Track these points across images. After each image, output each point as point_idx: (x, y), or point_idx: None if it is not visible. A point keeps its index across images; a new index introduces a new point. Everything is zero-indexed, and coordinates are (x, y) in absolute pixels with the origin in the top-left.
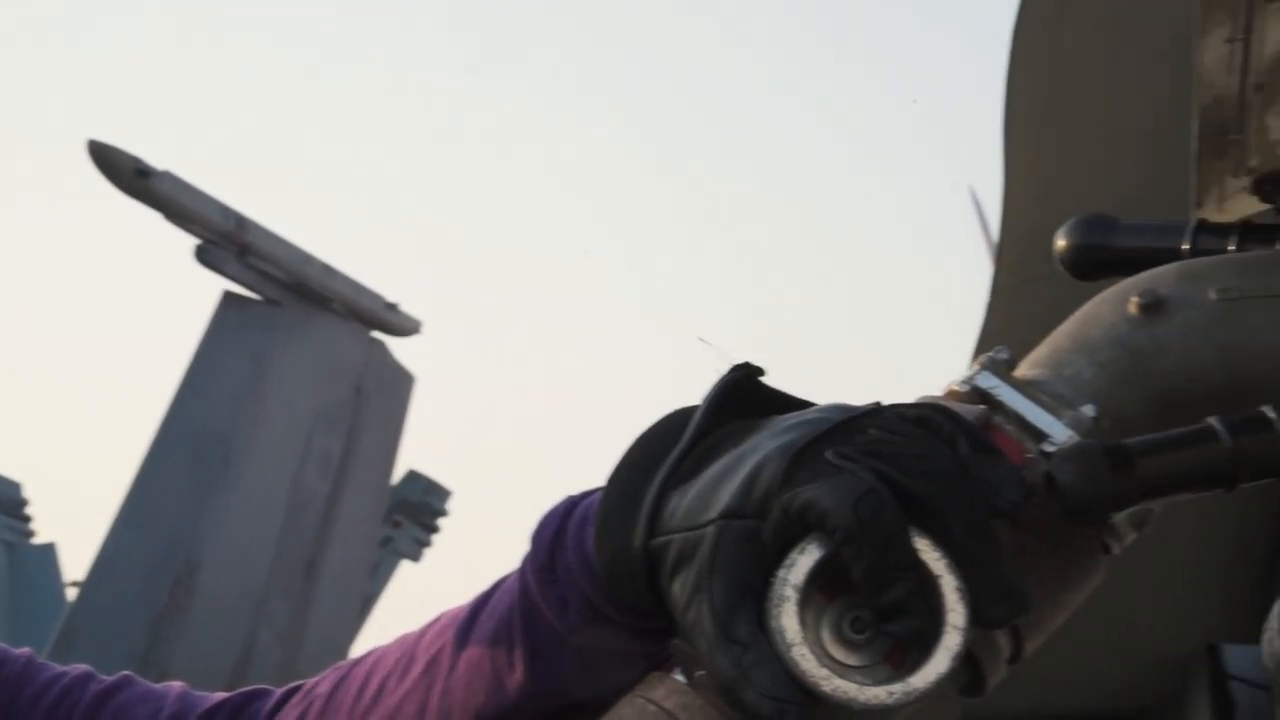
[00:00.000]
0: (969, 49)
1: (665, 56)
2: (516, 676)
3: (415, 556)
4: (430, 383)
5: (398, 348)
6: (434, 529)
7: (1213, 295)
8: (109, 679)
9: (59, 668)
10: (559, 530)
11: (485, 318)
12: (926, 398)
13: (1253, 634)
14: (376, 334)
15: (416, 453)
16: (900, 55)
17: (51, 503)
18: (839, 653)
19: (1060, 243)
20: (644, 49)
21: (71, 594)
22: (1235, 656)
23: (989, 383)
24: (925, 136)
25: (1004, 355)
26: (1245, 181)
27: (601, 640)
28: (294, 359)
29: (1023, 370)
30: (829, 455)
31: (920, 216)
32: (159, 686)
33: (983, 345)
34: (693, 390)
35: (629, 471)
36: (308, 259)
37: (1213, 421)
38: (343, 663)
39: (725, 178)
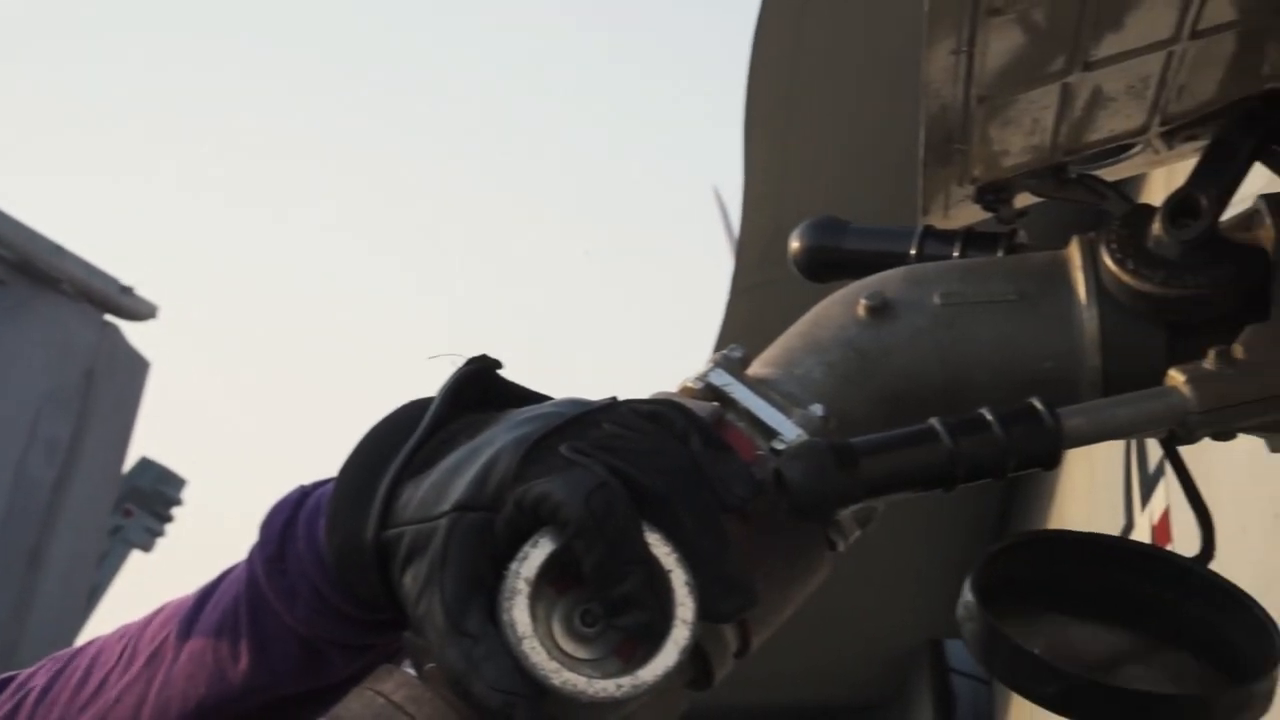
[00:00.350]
0: (716, 50)
1: (396, 47)
2: (241, 668)
3: (147, 546)
4: (167, 369)
5: (132, 332)
6: (167, 518)
7: (936, 300)
8: None
9: None
10: (289, 520)
11: (224, 305)
12: (661, 394)
13: None
14: (109, 318)
15: (151, 440)
16: (653, 53)
17: None
18: (569, 646)
19: (794, 244)
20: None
21: None
22: (957, 651)
23: (722, 380)
24: (674, 136)
25: (737, 353)
26: (969, 190)
27: (331, 632)
28: (19, 340)
29: (755, 369)
30: (563, 449)
31: (669, 216)
32: None
33: (723, 343)
34: (433, 382)
35: (362, 462)
36: (34, 236)
37: (934, 423)
38: (60, 653)
39: (468, 171)
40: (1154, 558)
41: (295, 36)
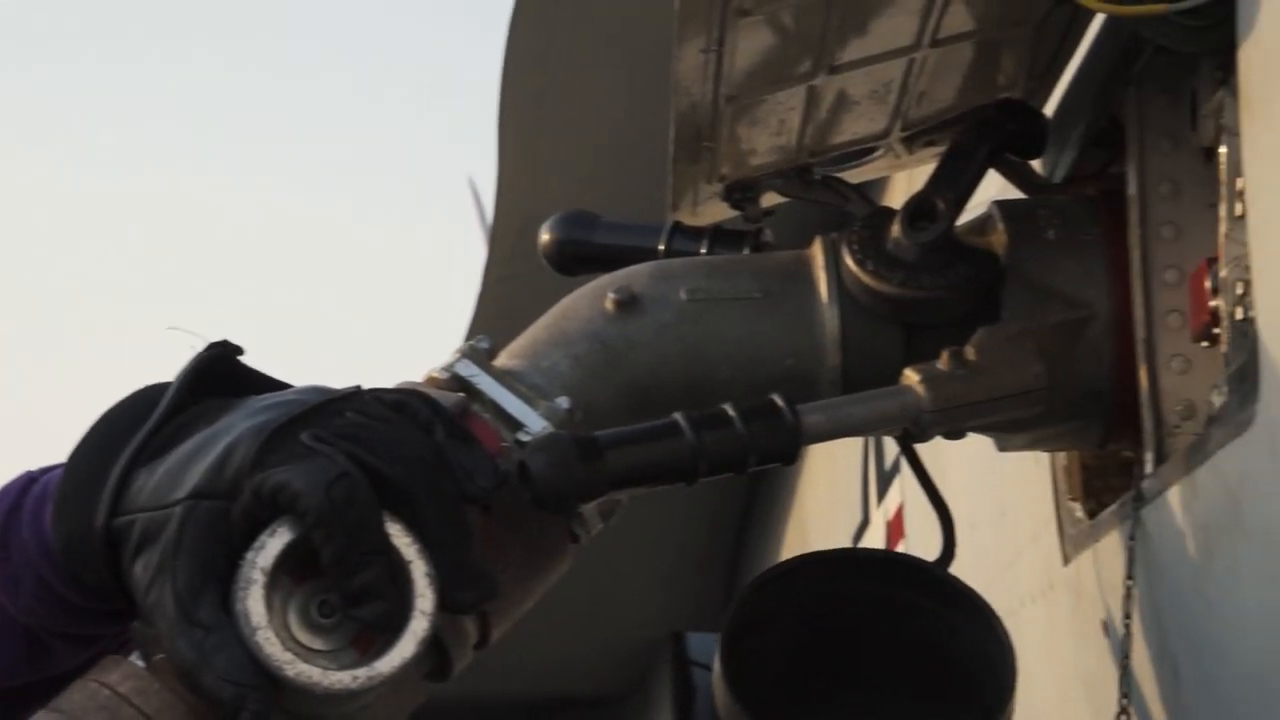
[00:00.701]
0: (475, 40)
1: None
2: None
3: None
4: None
5: None
6: None
7: (683, 296)
8: None
9: None
10: (14, 507)
11: None
12: (406, 384)
13: (715, 623)
14: None
15: None
16: (402, 46)
17: None
18: (305, 637)
19: (544, 237)
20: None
21: None
22: (698, 644)
23: (468, 371)
24: (432, 125)
25: (484, 344)
26: (718, 188)
27: (55, 622)
28: None
29: (502, 360)
30: (304, 438)
31: (424, 207)
32: None
33: (474, 334)
34: (169, 367)
35: (94, 447)
36: None
37: (678, 417)
38: None
39: (216, 154)
40: (898, 565)
41: None
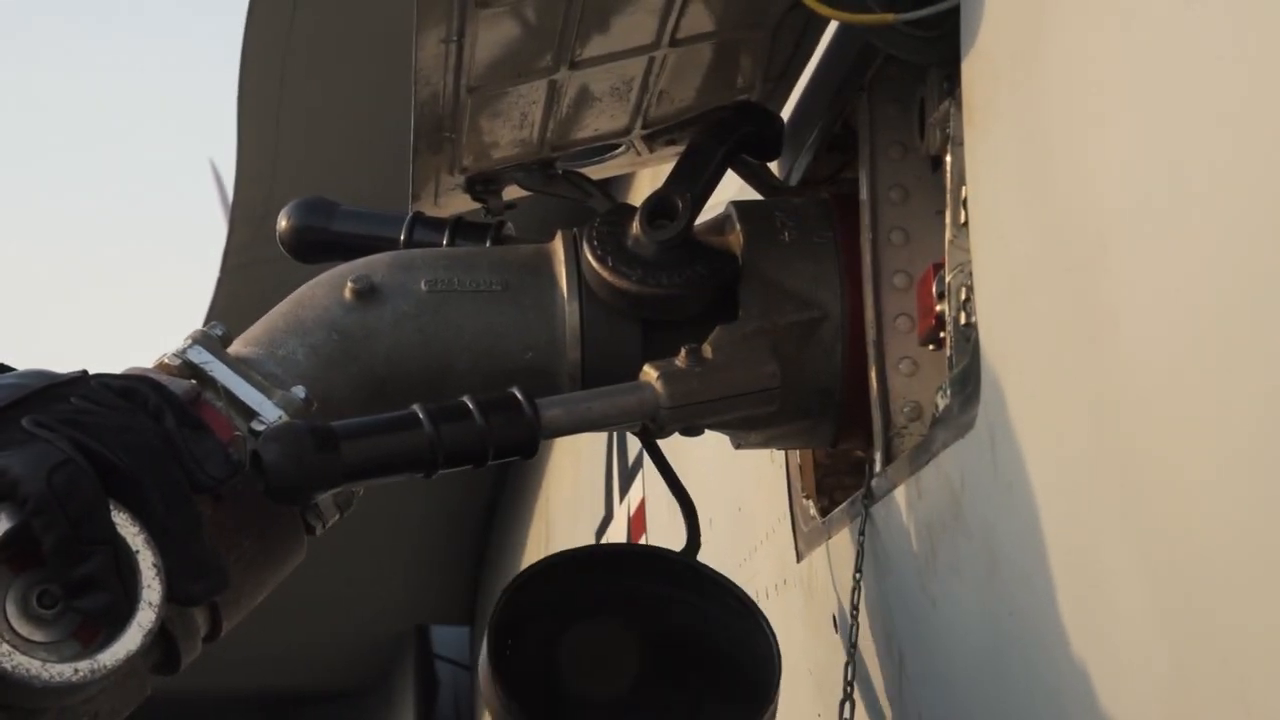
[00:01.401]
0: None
1: None
2: None
3: None
4: None
5: None
6: None
7: (422, 286)
8: None
9: None
10: None
11: None
12: (136, 369)
13: (460, 616)
14: None
15: None
16: (147, 24)
17: None
18: (24, 628)
19: (282, 223)
20: None
21: None
22: (442, 636)
23: (201, 358)
24: (172, 106)
25: (218, 331)
26: (460, 179)
27: None
28: None
29: (237, 348)
30: (25, 422)
31: (164, 189)
32: None
33: (211, 321)
34: None
35: None
36: None
37: (416, 408)
38: None
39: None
40: (651, 558)
41: None
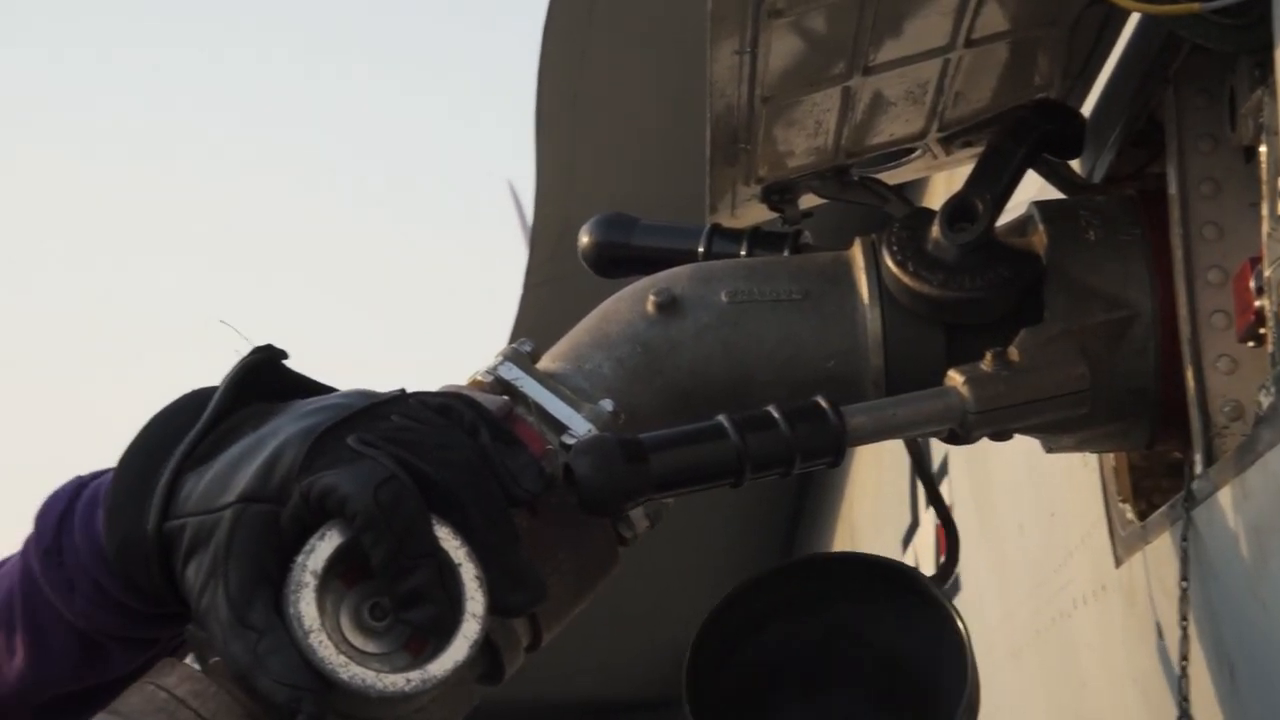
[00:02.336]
0: (512, 41)
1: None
2: (16, 663)
3: None
4: None
5: None
6: None
7: (723, 298)
8: None
9: None
10: (65, 512)
11: None
12: (450, 387)
13: None
14: None
15: None
16: (441, 47)
17: None
18: (358, 640)
19: (583, 239)
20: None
21: None
22: None
23: (512, 374)
24: (469, 128)
25: (527, 347)
26: (756, 190)
27: (111, 626)
28: None
29: (545, 363)
30: (350, 441)
31: (465, 208)
32: None
33: (516, 337)
34: (214, 373)
35: (143, 452)
36: None
37: (722, 419)
38: None
39: (244, 162)
40: (871, 567)
41: None
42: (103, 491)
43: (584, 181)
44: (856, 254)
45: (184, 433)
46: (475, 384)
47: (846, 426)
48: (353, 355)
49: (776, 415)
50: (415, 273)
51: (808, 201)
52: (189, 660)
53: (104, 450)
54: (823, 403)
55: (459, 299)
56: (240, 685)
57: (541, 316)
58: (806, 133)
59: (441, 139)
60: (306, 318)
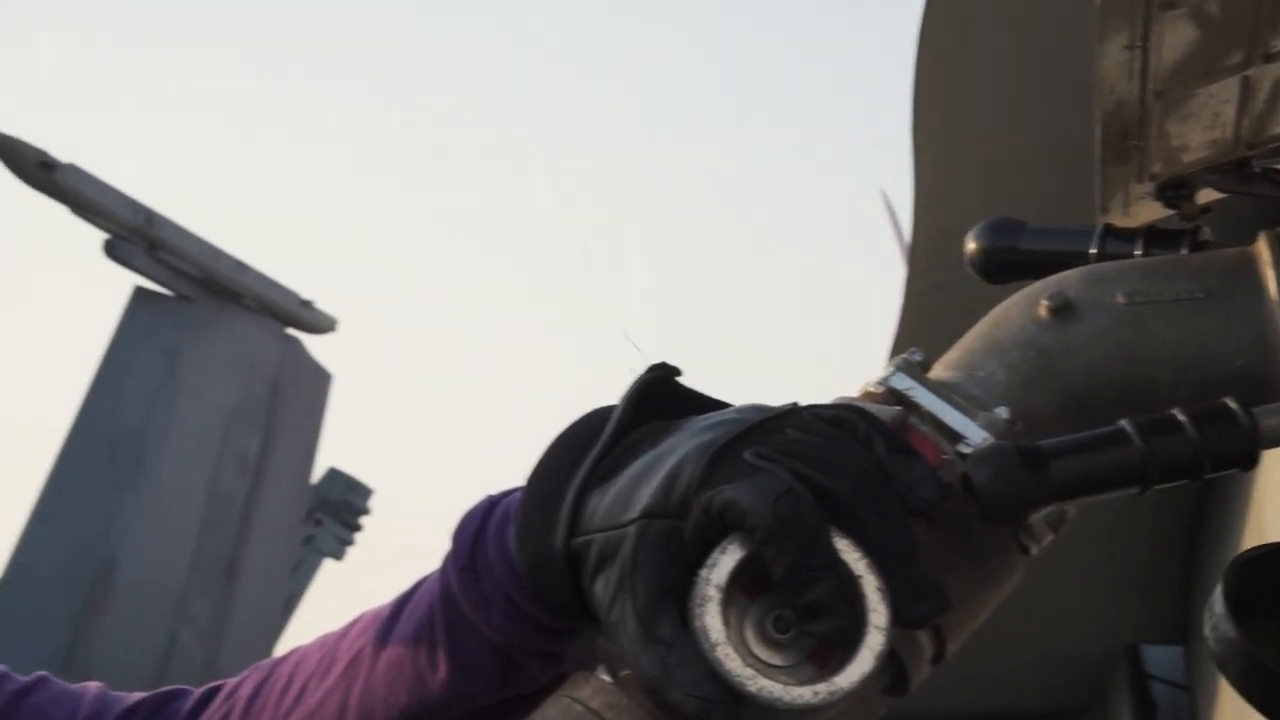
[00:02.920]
0: (883, 49)
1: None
2: (439, 676)
3: (338, 555)
4: (349, 380)
5: (314, 345)
6: (356, 527)
7: (1120, 299)
8: (25, 679)
9: None
10: (480, 530)
11: (402, 315)
12: (843, 398)
13: (1171, 635)
14: (291, 331)
15: (336, 451)
16: (814, 57)
17: None
18: (763, 652)
19: (970, 245)
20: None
21: None
22: (1155, 657)
23: (904, 384)
24: (840, 138)
25: (918, 357)
26: (1149, 187)
27: (525, 640)
28: (207, 356)
29: (936, 372)
30: (747, 455)
31: (836, 218)
32: (76, 687)
33: (898, 346)
34: (612, 389)
35: (549, 470)
36: (218, 254)
37: (1124, 424)
38: (264, 662)
39: (642, 180)
40: None
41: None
42: (513, 509)
43: (963, 186)
44: (1262, 249)
45: (586, 451)
46: (867, 395)
47: (1260, 428)
48: (741, 373)
49: (1182, 418)
50: (784, 284)
51: (1205, 196)
52: (600, 673)
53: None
54: (1232, 404)
55: (835, 312)
56: (651, 697)
57: (922, 325)
58: (1203, 125)
59: (807, 146)
60: (686, 332)
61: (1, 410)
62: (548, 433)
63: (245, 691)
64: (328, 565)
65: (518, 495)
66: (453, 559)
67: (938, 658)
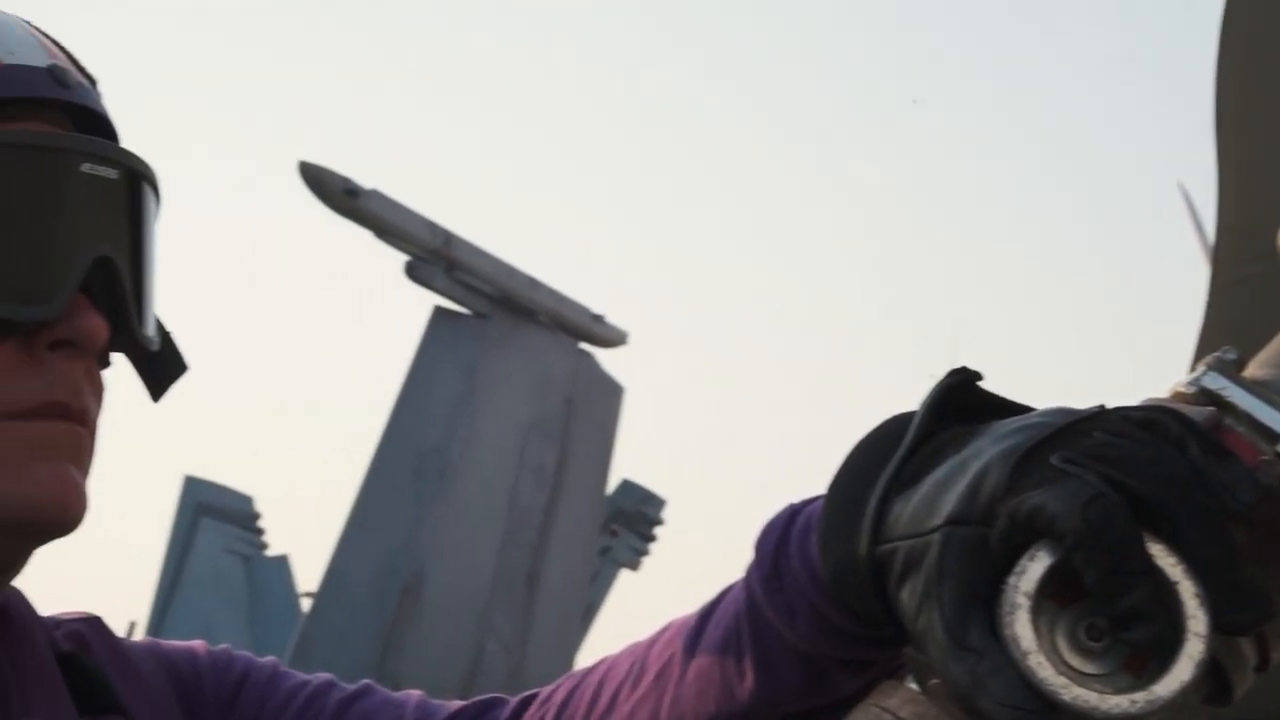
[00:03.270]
0: (1179, 44)
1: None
2: (747, 685)
3: (634, 565)
4: (640, 393)
5: (605, 359)
6: (651, 537)
7: None
8: (351, 687)
9: (303, 676)
10: (782, 539)
11: (691, 327)
12: (1151, 400)
13: None
14: (584, 345)
15: (629, 462)
16: (1108, 54)
17: (282, 516)
18: (1075, 660)
19: None
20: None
21: (305, 604)
22: None
23: (1217, 384)
24: (1134, 133)
25: (1231, 355)
26: None
27: (832, 649)
28: (504, 372)
29: (1251, 370)
30: (1054, 460)
31: (1133, 215)
32: (398, 694)
33: (1203, 344)
34: (905, 397)
35: (850, 478)
36: (513, 272)
37: None
38: (575, 671)
39: (930, 188)
40: None
41: None
42: (815, 518)
43: (1267, 181)
44: None
45: (888, 457)
46: (1177, 396)
47: None
48: (1044, 376)
49: None
50: (1084, 280)
51: None
52: (909, 682)
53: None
54: None
55: (1131, 306)
56: (960, 707)
57: (1227, 322)
58: None
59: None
60: (981, 338)
61: (314, 426)
62: (843, 440)
63: (557, 700)
64: (624, 575)
65: (819, 503)
66: (756, 568)
67: (1261, 666)
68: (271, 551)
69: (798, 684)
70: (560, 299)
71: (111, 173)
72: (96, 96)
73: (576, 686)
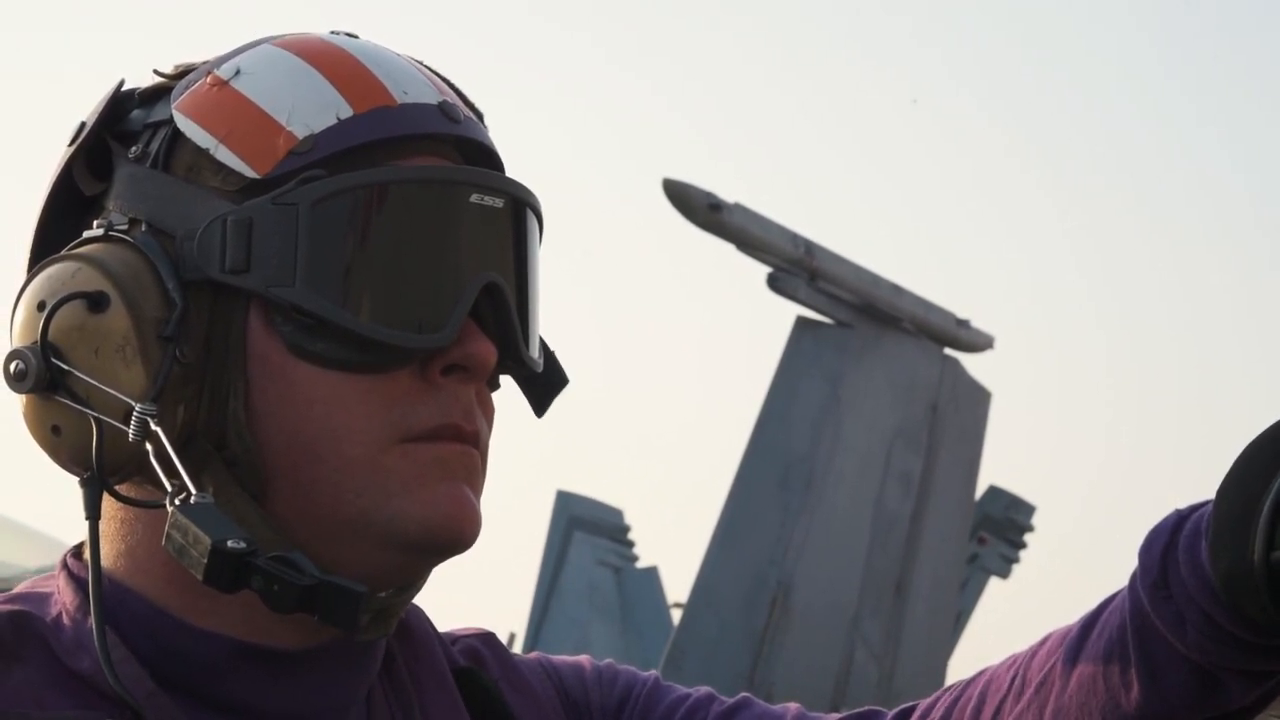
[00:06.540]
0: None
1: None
2: (1133, 696)
3: (1004, 573)
4: (1008, 397)
5: (971, 364)
6: (1021, 544)
7: None
8: (729, 700)
9: (683, 689)
10: (1169, 545)
11: (1061, 328)
12: None
13: None
14: (949, 351)
15: (997, 468)
16: None
17: (651, 528)
18: None
19: None
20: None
21: (675, 615)
22: None
23: None
24: None
25: None
26: None
27: (1225, 659)
28: (868, 380)
29: None
30: None
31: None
32: (777, 707)
33: None
34: None
35: (1240, 482)
36: (875, 280)
37: None
38: (953, 684)
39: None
40: None
41: None
42: (1203, 523)
43: None
44: None
45: (1279, 462)
46: None
47: None
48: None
49: None
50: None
51: None
52: None
53: None
54: None
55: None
56: None
57: None
58: None
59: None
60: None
61: (681, 439)
62: (1223, 444)
63: (937, 714)
64: (994, 584)
65: (1207, 509)
66: (1141, 576)
67: None
68: (641, 563)
69: (1188, 694)
70: (924, 305)
71: (498, 202)
72: (483, 129)
73: (957, 699)
